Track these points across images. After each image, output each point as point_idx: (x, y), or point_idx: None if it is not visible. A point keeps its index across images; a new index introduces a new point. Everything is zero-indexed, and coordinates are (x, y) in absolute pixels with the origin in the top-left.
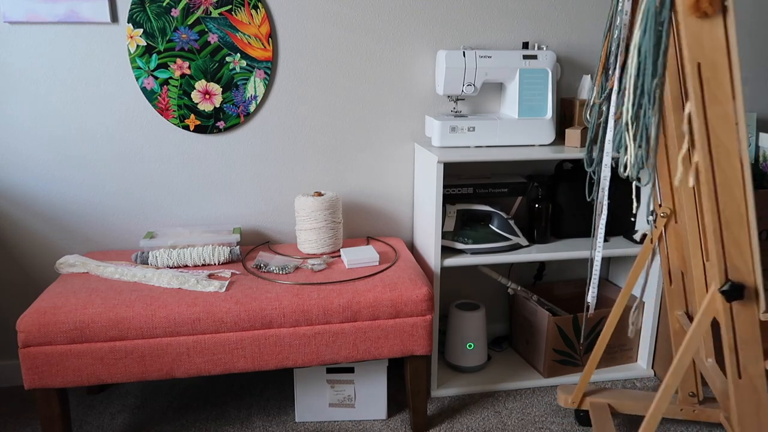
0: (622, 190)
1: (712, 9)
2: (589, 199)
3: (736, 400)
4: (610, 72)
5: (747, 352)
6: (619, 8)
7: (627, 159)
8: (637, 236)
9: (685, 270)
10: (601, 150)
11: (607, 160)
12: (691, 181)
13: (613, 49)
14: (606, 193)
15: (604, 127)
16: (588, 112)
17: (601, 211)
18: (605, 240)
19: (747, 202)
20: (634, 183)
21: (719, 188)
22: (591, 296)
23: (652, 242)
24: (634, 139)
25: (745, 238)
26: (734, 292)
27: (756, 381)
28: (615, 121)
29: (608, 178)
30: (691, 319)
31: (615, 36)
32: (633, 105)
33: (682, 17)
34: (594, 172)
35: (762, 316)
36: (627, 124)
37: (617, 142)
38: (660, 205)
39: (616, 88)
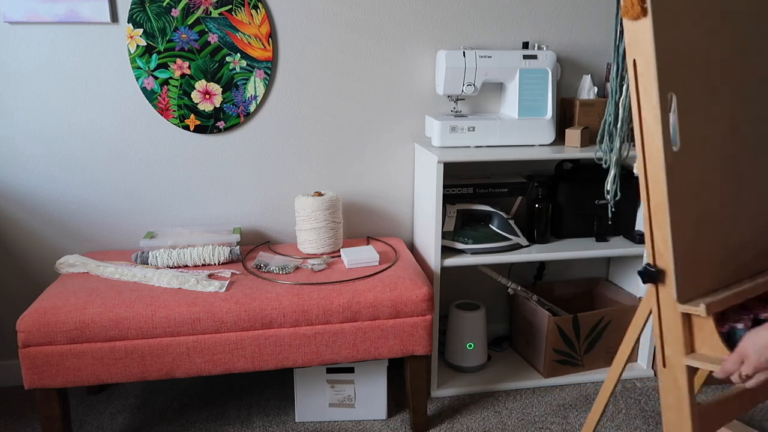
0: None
1: (639, 11)
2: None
3: (662, 388)
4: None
5: (670, 345)
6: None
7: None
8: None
9: None
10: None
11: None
12: (635, 172)
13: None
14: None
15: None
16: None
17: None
18: (605, 240)
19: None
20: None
21: (649, 176)
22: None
23: None
24: (612, 139)
25: (667, 227)
26: (647, 274)
27: (677, 374)
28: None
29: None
30: None
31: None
32: (614, 107)
33: (623, 19)
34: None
35: (679, 307)
36: (610, 124)
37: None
38: None
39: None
